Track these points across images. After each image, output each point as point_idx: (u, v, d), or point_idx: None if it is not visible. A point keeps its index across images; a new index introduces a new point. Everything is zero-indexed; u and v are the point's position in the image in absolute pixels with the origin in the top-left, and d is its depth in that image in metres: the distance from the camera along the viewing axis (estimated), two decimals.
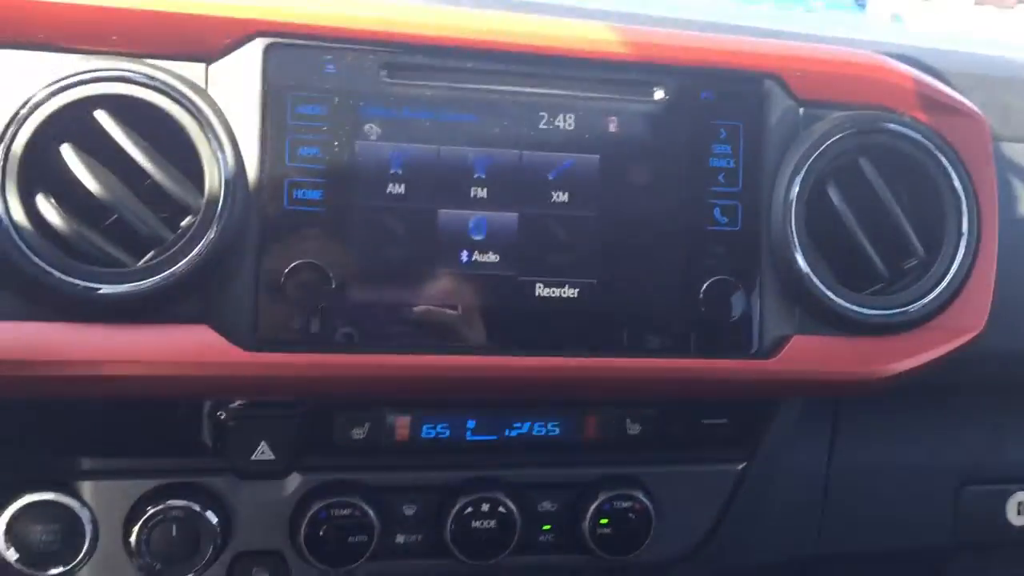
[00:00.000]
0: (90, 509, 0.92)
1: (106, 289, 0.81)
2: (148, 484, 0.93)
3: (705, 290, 0.94)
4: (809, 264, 0.95)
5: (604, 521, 1.02)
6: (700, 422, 1.03)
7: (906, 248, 0.99)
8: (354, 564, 0.96)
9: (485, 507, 0.99)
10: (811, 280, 0.95)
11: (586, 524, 1.01)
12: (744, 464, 1.07)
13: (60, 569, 0.91)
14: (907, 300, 0.98)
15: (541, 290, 0.92)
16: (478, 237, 0.90)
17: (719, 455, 1.07)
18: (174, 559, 0.92)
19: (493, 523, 0.99)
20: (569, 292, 0.92)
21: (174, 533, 0.92)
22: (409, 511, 0.99)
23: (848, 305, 0.96)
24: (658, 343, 0.94)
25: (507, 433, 0.99)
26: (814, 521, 1.13)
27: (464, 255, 0.90)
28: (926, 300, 0.98)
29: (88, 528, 0.91)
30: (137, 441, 0.93)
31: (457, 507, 0.98)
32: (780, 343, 0.96)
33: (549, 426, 1.00)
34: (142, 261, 0.83)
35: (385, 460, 0.98)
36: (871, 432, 1.15)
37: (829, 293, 0.96)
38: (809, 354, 0.96)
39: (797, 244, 0.95)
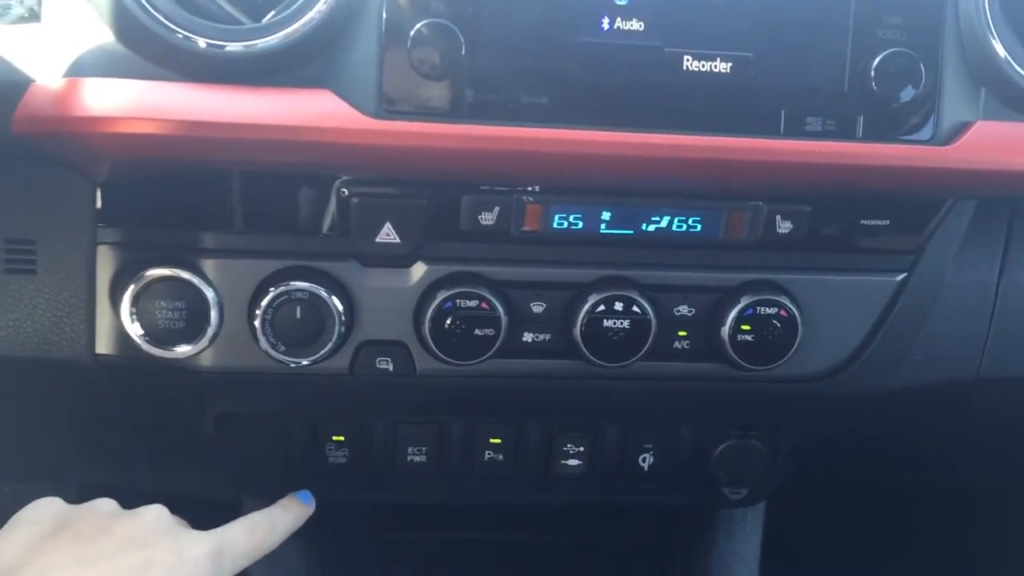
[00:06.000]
0: (214, 288, 0.90)
1: (231, 47, 0.77)
2: (272, 265, 0.90)
3: (877, 65, 0.83)
4: (1002, 40, 0.83)
5: (746, 328, 0.94)
6: (859, 223, 0.94)
7: None
8: (479, 359, 0.92)
9: (618, 306, 0.93)
10: (1005, 59, 0.83)
11: (726, 329, 0.94)
12: (904, 275, 0.98)
13: (186, 348, 0.90)
14: None
15: (690, 63, 0.83)
16: (621, 2, 0.82)
17: (877, 264, 0.97)
18: (298, 342, 0.90)
19: (626, 323, 0.93)
20: (721, 66, 0.83)
21: (298, 315, 0.89)
22: (538, 308, 0.94)
23: None
24: (820, 125, 0.84)
25: (644, 228, 0.92)
26: (978, 343, 1.03)
27: (606, 21, 0.82)
28: None
29: (213, 307, 0.90)
30: (262, 219, 0.90)
31: (588, 305, 0.92)
32: (960, 129, 0.85)
33: (690, 221, 0.92)
34: (265, 19, 0.79)
35: (514, 253, 0.93)
36: None
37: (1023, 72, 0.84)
38: (993, 142, 0.85)
39: (989, 15, 0.83)
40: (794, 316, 0.95)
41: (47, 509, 0.77)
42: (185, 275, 0.89)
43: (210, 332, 0.90)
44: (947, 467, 1.30)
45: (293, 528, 0.94)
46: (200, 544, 0.79)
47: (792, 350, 0.95)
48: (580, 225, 0.91)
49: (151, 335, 0.89)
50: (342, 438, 1.05)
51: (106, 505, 0.80)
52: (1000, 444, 1.22)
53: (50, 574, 0.70)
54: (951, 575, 1.55)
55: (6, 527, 0.75)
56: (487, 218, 0.89)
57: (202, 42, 0.77)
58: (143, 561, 0.73)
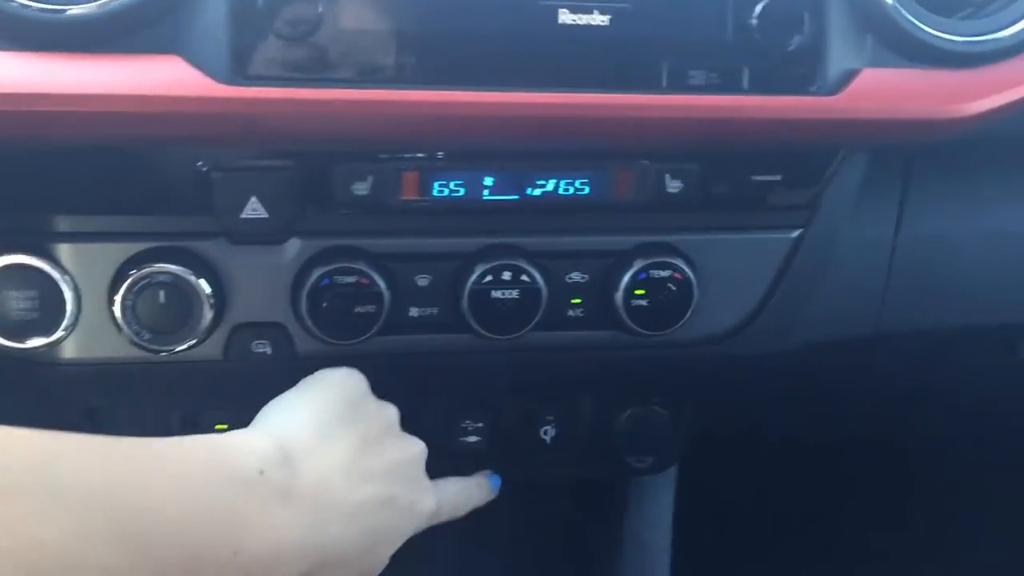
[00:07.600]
0: (70, 275, 0.83)
1: (74, 10, 0.71)
2: (133, 248, 0.84)
3: (759, 14, 0.80)
4: None
5: (640, 292, 0.91)
6: (750, 179, 0.91)
7: None
8: (363, 337, 0.88)
9: (506, 275, 0.89)
10: (892, 4, 0.81)
11: (619, 295, 0.91)
12: (799, 231, 0.95)
13: (41, 340, 0.84)
14: (1000, 24, 0.83)
15: (565, 16, 0.78)
16: None
17: (771, 221, 0.94)
18: (165, 328, 0.84)
19: (515, 293, 0.89)
20: (599, 19, 0.79)
21: (162, 300, 0.83)
22: (423, 281, 0.90)
23: (933, 31, 0.82)
24: (704, 78, 0.80)
25: (529, 192, 0.88)
26: (876, 297, 1.01)
27: None
28: (1021, 24, 0.83)
29: (69, 295, 0.83)
30: (119, 198, 0.84)
31: (475, 275, 0.88)
32: (847, 77, 0.83)
33: (577, 183, 0.88)
34: None
35: (393, 224, 0.88)
36: (945, 198, 1.01)
37: (911, 18, 0.81)
38: (881, 89, 0.83)
39: None
40: (689, 278, 0.92)
41: (356, 387, 0.85)
42: (36, 262, 0.82)
43: (65, 322, 0.83)
44: (851, 425, 1.30)
45: (480, 504, 1.01)
46: (429, 500, 0.87)
47: (688, 313, 0.93)
48: (462, 192, 0.87)
49: (1, 327, 0.83)
50: (225, 427, 0.99)
51: (391, 416, 0.87)
52: (901, 399, 1.21)
53: (325, 468, 0.76)
54: (865, 532, 1.56)
55: (316, 378, 0.85)
56: (361, 188, 0.84)
57: (37, 6, 0.70)
58: (388, 497, 0.81)
